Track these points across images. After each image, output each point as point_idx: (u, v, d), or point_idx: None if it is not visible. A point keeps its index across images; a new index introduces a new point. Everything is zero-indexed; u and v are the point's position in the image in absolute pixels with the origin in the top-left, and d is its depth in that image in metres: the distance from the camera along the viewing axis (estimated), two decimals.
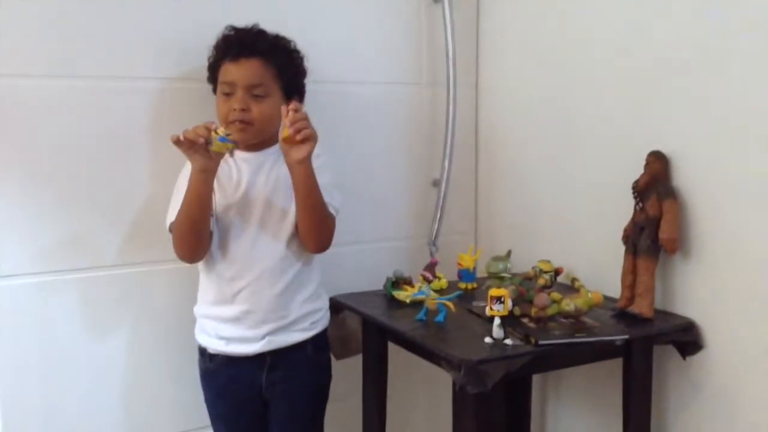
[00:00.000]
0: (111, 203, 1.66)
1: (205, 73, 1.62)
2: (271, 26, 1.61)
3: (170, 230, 1.52)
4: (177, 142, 1.38)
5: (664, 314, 1.57)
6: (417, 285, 1.72)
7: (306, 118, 1.40)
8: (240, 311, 1.52)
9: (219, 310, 1.54)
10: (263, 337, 1.53)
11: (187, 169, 1.50)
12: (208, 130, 1.38)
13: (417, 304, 1.63)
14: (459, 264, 1.88)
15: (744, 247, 1.43)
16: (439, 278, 1.81)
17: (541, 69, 1.91)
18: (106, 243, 1.67)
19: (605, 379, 1.72)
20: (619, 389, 1.56)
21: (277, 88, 1.54)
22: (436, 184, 2.05)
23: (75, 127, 1.61)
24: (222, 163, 1.51)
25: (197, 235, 1.49)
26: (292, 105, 1.41)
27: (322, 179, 1.51)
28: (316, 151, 1.47)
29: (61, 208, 1.62)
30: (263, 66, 1.52)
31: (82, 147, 1.62)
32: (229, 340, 1.54)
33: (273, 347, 1.54)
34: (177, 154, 1.53)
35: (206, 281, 1.57)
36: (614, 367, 1.56)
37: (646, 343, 1.51)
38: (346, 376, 1.79)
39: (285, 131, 1.39)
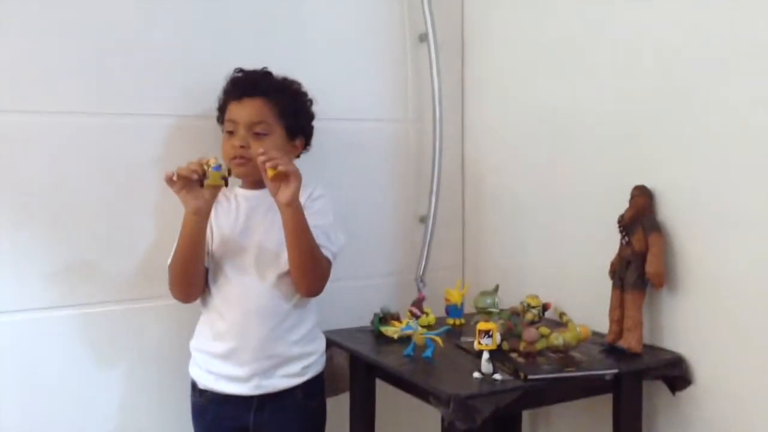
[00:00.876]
0: (108, 240, 1.67)
1: (208, 111, 1.66)
2: (258, 65, 1.65)
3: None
4: (169, 180, 1.40)
5: (653, 349, 1.57)
6: (405, 321, 1.70)
7: (278, 156, 1.40)
8: (228, 348, 1.51)
9: (211, 345, 1.54)
10: (251, 378, 1.51)
11: None
12: (201, 165, 1.40)
13: (405, 340, 1.61)
14: (446, 299, 1.87)
15: (730, 280, 1.44)
16: (427, 314, 1.80)
17: (525, 106, 1.94)
18: (100, 279, 1.66)
19: (595, 416, 1.71)
20: (609, 426, 1.54)
21: (279, 127, 1.57)
22: (423, 220, 2.06)
23: (74, 163, 1.63)
24: (222, 199, 1.56)
25: (189, 277, 1.51)
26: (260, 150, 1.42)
27: (322, 221, 1.53)
28: (318, 191, 1.54)
29: (56, 243, 1.62)
30: (265, 105, 1.56)
31: (81, 182, 1.63)
32: (218, 376, 1.53)
33: (261, 392, 1.52)
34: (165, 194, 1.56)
35: (203, 315, 1.58)
36: (603, 403, 1.55)
37: (636, 378, 1.50)
38: (333, 414, 1.76)
39: (269, 171, 1.40)
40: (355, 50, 1.97)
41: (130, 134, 1.68)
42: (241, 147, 1.53)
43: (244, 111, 1.55)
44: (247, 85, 1.58)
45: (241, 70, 1.63)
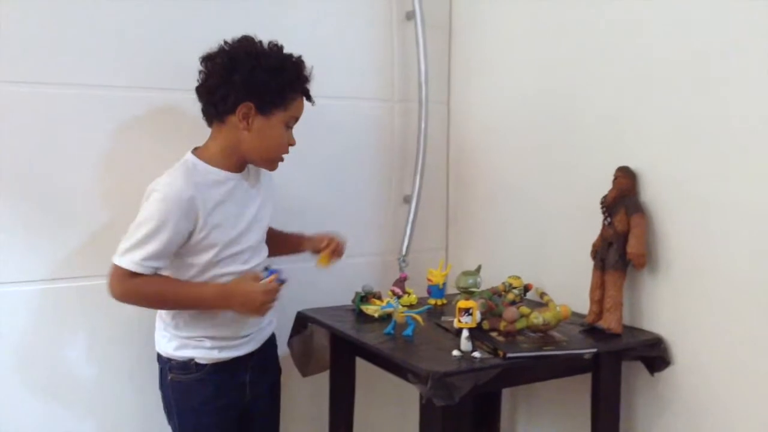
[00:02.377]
0: (73, 214, 1.64)
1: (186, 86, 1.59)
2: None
3: (130, 273, 1.41)
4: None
5: (632, 330, 1.57)
6: (385, 299, 1.70)
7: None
8: (236, 327, 1.53)
9: (218, 330, 1.52)
10: (252, 339, 1.57)
11: (181, 197, 1.43)
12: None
13: (386, 319, 1.61)
14: (429, 280, 1.87)
15: (711, 262, 1.44)
16: (409, 294, 1.80)
17: (511, 87, 1.93)
18: (66, 253, 1.64)
19: (574, 395, 1.72)
20: (587, 405, 1.55)
21: None
22: (407, 200, 2.05)
23: (24, 135, 1.59)
24: (223, 190, 1.51)
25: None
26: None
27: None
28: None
29: (21, 218, 1.59)
30: None
31: (40, 155, 1.60)
32: (222, 348, 1.53)
33: (258, 345, 1.58)
34: (141, 166, 1.59)
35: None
36: (583, 383, 1.56)
37: (615, 358, 1.50)
38: (313, 392, 1.77)
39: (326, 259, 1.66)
40: (341, 27, 1.95)
41: (114, 107, 1.66)
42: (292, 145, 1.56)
43: (302, 111, 1.56)
44: (308, 86, 1.57)
45: (303, 63, 1.55)
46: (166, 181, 1.44)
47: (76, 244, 1.64)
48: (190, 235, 1.44)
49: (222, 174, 1.51)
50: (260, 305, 1.46)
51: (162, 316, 1.55)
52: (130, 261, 1.40)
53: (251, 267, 1.52)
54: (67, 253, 1.64)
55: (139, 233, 1.40)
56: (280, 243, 1.68)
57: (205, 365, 1.52)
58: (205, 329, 1.51)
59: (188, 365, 1.53)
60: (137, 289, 1.44)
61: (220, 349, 1.52)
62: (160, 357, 1.55)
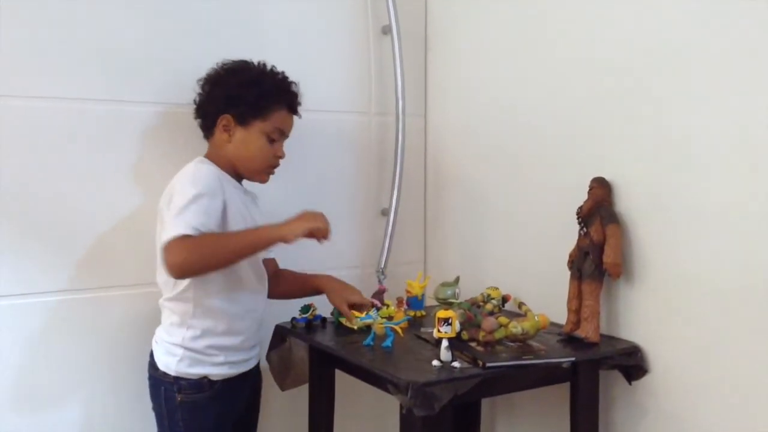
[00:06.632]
0: (61, 228, 1.63)
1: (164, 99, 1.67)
2: (221, 54, 1.65)
3: (183, 236, 1.37)
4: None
5: (610, 338, 1.59)
6: (365, 311, 1.70)
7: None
8: (242, 339, 1.57)
9: (225, 340, 1.54)
10: (252, 357, 1.63)
11: (211, 174, 1.49)
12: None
13: (365, 332, 1.61)
14: (407, 291, 1.87)
15: (685, 271, 1.46)
16: (388, 306, 1.80)
17: (487, 100, 1.95)
18: (53, 268, 1.62)
19: (553, 404, 1.72)
20: (567, 414, 1.55)
21: None
22: (385, 213, 2.05)
23: (9, 148, 1.58)
24: (239, 202, 1.54)
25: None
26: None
27: None
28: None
29: (10, 232, 1.57)
30: None
31: (27, 169, 1.59)
32: (233, 363, 1.56)
33: (257, 361, 1.66)
34: (134, 180, 1.65)
35: (207, 317, 1.53)
36: (561, 392, 1.56)
37: (592, 367, 1.51)
38: (293, 406, 1.75)
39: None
40: (318, 41, 1.96)
41: (103, 121, 1.66)
42: (279, 157, 1.61)
43: (291, 125, 1.63)
44: (297, 100, 1.63)
45: (285, 77, 1.62)
46: (192, 167, 1.49)
47: (59, 259, 1.63)
48: (223, 211, 1.47)
49: (228, 176, 1.57)
50: (319, 218, 1.48)
51: (172, 332, 1.52)
52: (182, 225, 1.36)
53: (243, 299, 1.56)
54: (49, 268, 1.62)
55: (181, 203, 1.40)
56: (290, 281, 1.73)
57: (217, 382, 1.54)
58: (218, 337, 1.52)
59: (201, 383, 1.53)
60: (196, 243, 1.37)
61: (231, 365, 1.55)
62: (162, 378, 1.52)
